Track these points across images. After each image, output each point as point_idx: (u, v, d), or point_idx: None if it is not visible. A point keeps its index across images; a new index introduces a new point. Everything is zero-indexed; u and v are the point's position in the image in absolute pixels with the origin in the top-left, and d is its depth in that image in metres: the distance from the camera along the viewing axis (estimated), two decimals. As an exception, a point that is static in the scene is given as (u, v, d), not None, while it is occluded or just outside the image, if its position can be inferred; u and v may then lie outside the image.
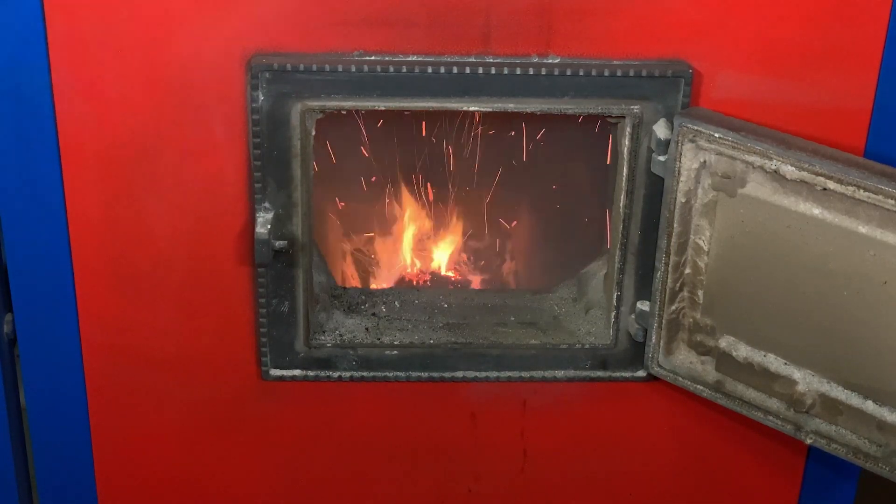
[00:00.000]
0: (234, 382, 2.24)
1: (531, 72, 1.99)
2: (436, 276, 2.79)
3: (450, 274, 2.81)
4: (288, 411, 2.28)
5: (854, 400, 1.98)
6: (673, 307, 2.11)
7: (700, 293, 2.07)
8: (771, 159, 1.92)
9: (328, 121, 2.08)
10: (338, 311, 2.25)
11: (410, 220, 2.79)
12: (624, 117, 2.03)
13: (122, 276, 2.13)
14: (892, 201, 1.82)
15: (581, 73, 1.99)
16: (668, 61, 2.01)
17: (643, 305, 2.15)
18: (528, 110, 2.02)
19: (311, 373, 2.21)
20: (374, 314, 2.26)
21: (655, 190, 2.07)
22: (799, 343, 2.00)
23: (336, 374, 2.22)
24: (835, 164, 1.87)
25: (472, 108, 2.01)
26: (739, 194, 1.97)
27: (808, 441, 2.05)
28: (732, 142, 1.94)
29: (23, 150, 2.02)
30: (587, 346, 2.22)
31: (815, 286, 1.94)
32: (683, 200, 2.02)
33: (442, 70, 1.98)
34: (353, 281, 2.75)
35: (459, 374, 2.23)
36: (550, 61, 2.00)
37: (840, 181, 1.86)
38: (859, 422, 1.98)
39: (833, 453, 2.03)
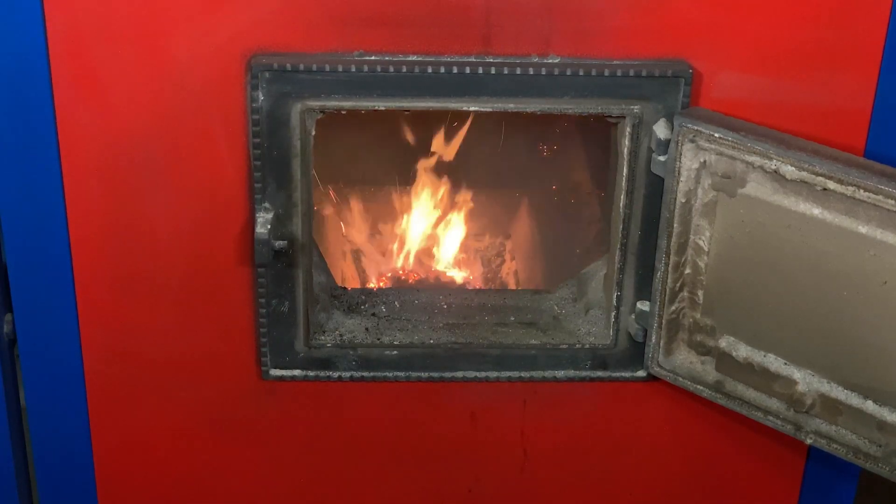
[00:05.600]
0: (234, 382, 2.24)
1: (531, 72, 1.99)
2: (438, 276, 2.80)
3: (454, 272, 2.82)
4: (288, 411, 2.28)
5: (854, 400, 1.98)
6: (673, 307, 2.11)
7: (700, 293, 2.07)
8: (771, 159, 1.92)
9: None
10: (338, 311, 2.25)
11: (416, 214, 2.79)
12: (624, 117, 2.03)
13: (122, 276, 2.13)
14: (892, 201, 1.82)
15: (581, 73, 1.99)
16: (668, 61, 2.01)
17: (643, 305, 2.15)
18: (528, 110, 2.02)
19: (311, 373, 2.21)
20: (374, 314, 2.26)
21: (655, 190, 2.07)
22: (799, 343, 2.00)
23: (336, 374, 2.22)
24: (835, 164, 1.87)
25: (472, 108, 2.01)
26: (739, 194, 1.97)
27: (808, 441, 2.05)
28: (732, 142, 1.94)
29: (23, 150, 2.02)
30: (587, 346, 2.22)
31: (815, 286, 1.94)
32: (683, 200, 2.02)
33: (442, 70, 1.98)
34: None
35: (459, 374, 2.23)
36: (550, 61, 2.00)
37: (840, 181, 1.86)
38: (859, 422, 1.98)
39: (833, 453, 2.03)
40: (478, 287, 2.80)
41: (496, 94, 2.00)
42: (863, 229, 1.86)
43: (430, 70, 1.98)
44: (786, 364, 2.03)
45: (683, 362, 2.15)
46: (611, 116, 2.05)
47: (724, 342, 2.08)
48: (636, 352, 2.21)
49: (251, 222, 2.08)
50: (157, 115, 2.01)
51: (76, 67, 1.97)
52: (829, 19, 1.98)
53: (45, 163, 2.03)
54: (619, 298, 2.17)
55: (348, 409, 2.29)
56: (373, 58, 1.98)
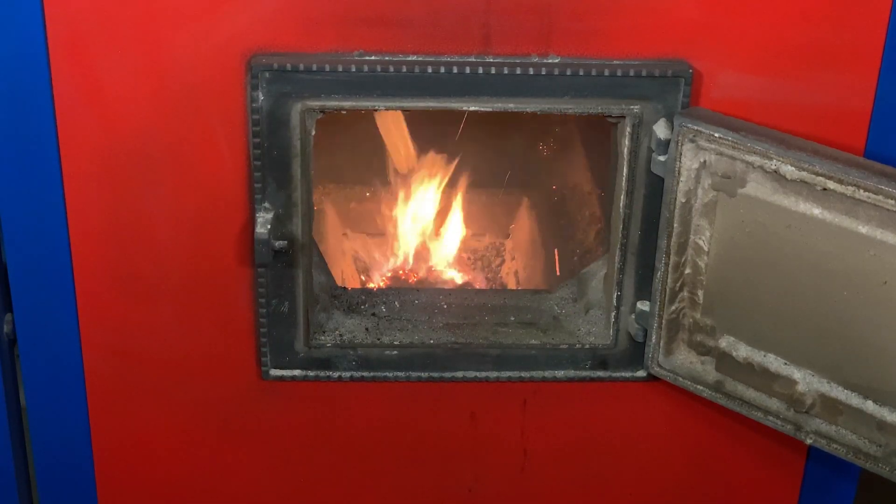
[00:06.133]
0: (234, 382, 2.24)
1: (531, 72, 1.99)
2: (438, 277, 2.80)
3: (454, 272, 2.82)
4: (288, 411, 2.28)
5: (854, 400, 1.98)
6: (673, 307, 2.11)
7: (700, 293, 2.07)
8: (771, 159, 1.92)
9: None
10: (338, 311, 2.25)
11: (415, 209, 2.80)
12: (624, 117, 2.03)
13: (122, 276, 2.13)
14: (892, 201, 1.82)
15: (581, 73, 1.99)
16: (668, 61, 2.01)
17: (643, 305, 2.15)
18: (528, 110, 2.02)
19: (311, 373, 2.21)
20: (374, 314, 2.26)
21: (655, 190, 2.07)
22: (799, 343, 2.00)
23: (336, 374, 2.22)
24: (835, 164, 1.87)
25: (472, 108, 2.01)
26: (739, 194, 1.97)
27: (808, 441, 2.05)
28: (732, 142, 1.94)
29: (23, 150, 2.02)
30: (587, 346, 2.22)
31: (815, 286, 1.94)
32: (683, 200, 2.02)
33: (442, 70, 1.98)
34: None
35: (459, 374, 2.23)
36: (550, 61, 2.00)
37: (840, 181, 1.86)
38: (859, 422, 1.98)
39: (833, 453, 2.03)
40: (478, 287, 2.80)
41: (496, 94, 2.00)
42: (863, 229, 1.86)
43: (430, 70, 1.98)
44: (786, 364, 2.03)
45: (683, 362, 2.15)
46: (611, 116, 2.05)
47: (724, 342, 2.08)
48: (636, 352, 2.21)
49: (251, 222, 2.08)
50: (157, 115, 2.01)
51: (76, 67, 1.97)
52: (829, 19, 1.98)
53: (45, 163, 2.03)
54: (619, 298, 2.17)
55: (348, 409, 2.29)
56: (373, 58, 1.98)
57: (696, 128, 1.97)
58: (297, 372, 2.21)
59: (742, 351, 2.07)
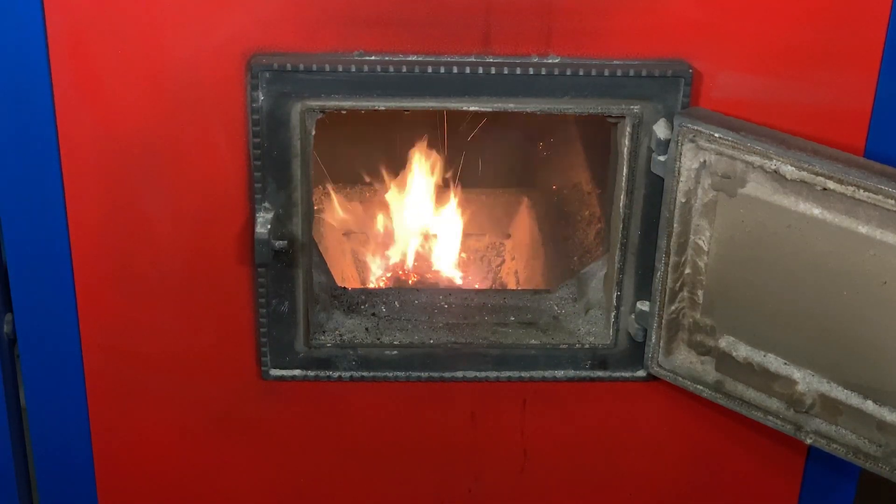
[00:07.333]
0: (234, 382, 2.24)
1: (531, 72, 1.99)
2: (438, 276, 2.80)
3: (454, 272, 2.82)
4: (288, 411, 2.28)
5: (854, 400, 1.98)
6: (673, 307, 2.11)
7: (700, 293, 2.07)
8: (771, 159, 1.92)
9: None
10: (338, 311, 2.25)
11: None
12: (624, 117, 2.03)
13: (122, 276, 2.13)
14: (892, 201, 1.82)
15: (581, 73, 1.99)
16: (668, 61, 2.01)
17: (643, 305, 2.15)
18: (528, 110, 2.02)
19: (311, 373, 2.21)
20: (374, 314, 2.26)
21: (655, 190, 2.07)
22: (799, 343, 2.00)
23: (336, 374, 2.22)
24: (835, 164, 1.87)
25: (472, 108, 2.01)
26: (739, 194, 1.97)
27: (808, 441, 2.05)
28: (732, 142, 1.94)
29: (23, 150, 2.02)
30: (587, 346, 2.22)
31: (815, 286, 1.94)
32: (683, 200, 2.02)
33: (442, 70, 1.98)
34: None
35: (459, 374, 2.23)
36: (550, 61, 2.00)
37: (840, 181, 1.86)
38: (859, 422, 1.98)
39: (833, 453, 2.03)
40: (478, 287, 2.80)
41: (496, 94, 2.00)
42: (863, 229, 1.86)
43: (430, 70, 1.98)
44: (786, 364, 2.03)
45: (683, 362, 2.15)
46: (611, 116, 2.05)
47: (724, 342, 2.08)
48: (636, 352, 2.21)
49: (251, 222, 2.08)
50: (157, 115, 2.01)
51: (76, 67, 1.97)
52: (829, 19, 1.98)
53: (45, 163, 2.03)
54: (619, 298, 2.17)
55: (348, 409, 2.29)
56: (373, 58, 1.98)
57: (696, 128, 1.97)
58: (297, 372, 2.21)
59: (742, 351, 2.07)
